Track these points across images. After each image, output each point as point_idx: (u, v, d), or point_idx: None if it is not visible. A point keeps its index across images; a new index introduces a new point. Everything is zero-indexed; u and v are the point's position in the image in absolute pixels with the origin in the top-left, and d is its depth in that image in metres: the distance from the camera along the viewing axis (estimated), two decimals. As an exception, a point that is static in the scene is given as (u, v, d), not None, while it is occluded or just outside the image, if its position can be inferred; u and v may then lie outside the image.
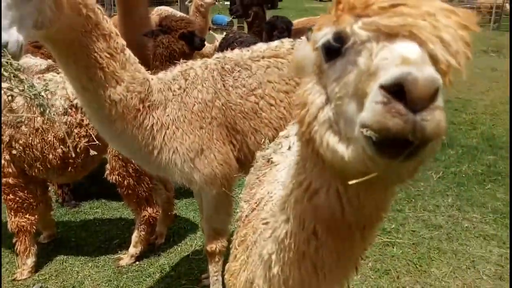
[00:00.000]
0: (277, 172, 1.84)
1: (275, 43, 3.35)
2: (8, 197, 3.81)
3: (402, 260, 4.05)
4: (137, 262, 4.17)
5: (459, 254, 4.11)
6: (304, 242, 1.16)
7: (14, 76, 2.89)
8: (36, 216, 3.99)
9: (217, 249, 3.37)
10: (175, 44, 3.98)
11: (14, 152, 3.66)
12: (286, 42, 3.37)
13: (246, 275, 1.61)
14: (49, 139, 3.61)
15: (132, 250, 4.17)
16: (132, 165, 3.75)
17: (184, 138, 2.92)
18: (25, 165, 3.77)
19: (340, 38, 0.89)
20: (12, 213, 3.88)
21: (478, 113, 8.21)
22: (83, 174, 4.06)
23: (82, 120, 3.61)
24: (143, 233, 4.12)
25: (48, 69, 4.63)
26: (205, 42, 4.60)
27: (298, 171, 1.13)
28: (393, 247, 4.24)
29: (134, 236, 4.17)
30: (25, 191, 3.86)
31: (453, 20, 0.84)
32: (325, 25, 0.95)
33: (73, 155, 3.63)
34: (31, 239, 4.00)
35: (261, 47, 3.33)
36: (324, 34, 0.93)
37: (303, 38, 1.10)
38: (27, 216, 3.91)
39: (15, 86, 3.05)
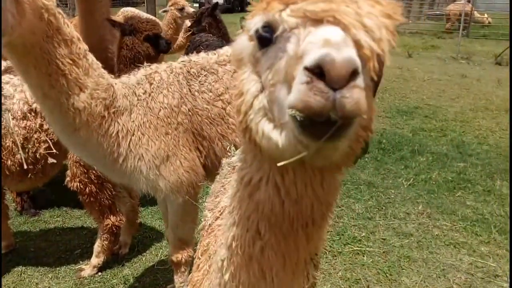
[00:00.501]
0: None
1: None
2: None
3: (373, 269, 4.00)
4: (100, 273, 4.00)
5: (430, 263, 4.08)
6: (250, 244, 1.14)
7: None
8: None
9: (182, 259, 3.27)
10: (139, 46, 3.85)
11: None
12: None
13: (207, 284, 1.54)
14: (8, 144, 3.43)
15: (95, 260, 4.00)
16: (94, 172, 3.61)
17: (149, 145, 2.83)
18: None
19: (270, 27, 0.92)
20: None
21: (448, 120, 8.31)
22: (43, 180, 3.90)
23: (42, 125, 3.47)
24: (106, 242, 3.95)
25: (5, 71, 4.41)
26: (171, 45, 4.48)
27: (241, 166, 1.12)
28: (364, 256, 4.19)
29: (97, 246, 4.01)
30: None
31: (377, 9, 0.87)
32: (256, 13, 0.96)
33: (28, 164, 3.49)
34: (-14, 249, 3.80)
35: (227, 50, 3.25)
36: (255, 22, 0.95)
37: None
38: None
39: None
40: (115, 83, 2.76)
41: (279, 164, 0.90)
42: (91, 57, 2.50)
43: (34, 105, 3.43)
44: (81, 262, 4.17)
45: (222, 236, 1.38)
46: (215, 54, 3.22)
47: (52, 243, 4.50)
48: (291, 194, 1.01)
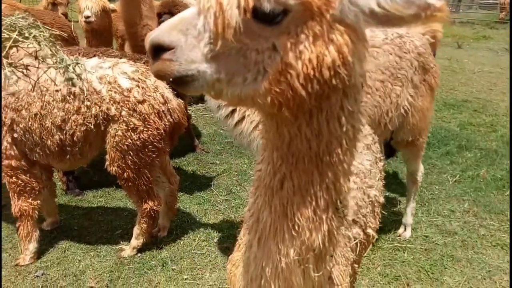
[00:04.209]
0: None
1: (367, 32, 3.34)
2: (10, 179, 3.78)
3: (413, 267, 3.88)
4: (139, 254, 4.08)
5: (474, 263, 3.92)
6: (270, 176, 1.27)
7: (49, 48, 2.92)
8: (39, 201, 3.96)
9: None
10: None
11: (15, 135, 3.64)
12: (378, 31, 3.44)
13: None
14: (47, 125, 3.54)
15: (134, 242, 4.09)
16: (130, 158, 3.65)
17: None
18: (26, 149, 3.73)
19: None
20: (15, 197, 3.86)
21: (499, 114, 7.92)
22: (82, 162, 3.99)
23: (80, 108, 3.52)
24: (144, 225, 4.02)
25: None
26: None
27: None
28: (404, 252, 4.07)
29: (136, 229, 4.08)
30: (28, 175, 3.83)
31: None
32: None
33: (66, 146, 3.60)
34: (33, 224, 3.96)
35: None
36: None
37: None
38: (29, 200, 3.88)
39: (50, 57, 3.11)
40: None
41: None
42: None
43: (73, 89, 3.50)
44: (121, 242, 4.27)
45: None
46: None
47: (95, 223, 4.63)
48: (285, 135, 1.19)
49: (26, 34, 3.04)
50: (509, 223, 4.51)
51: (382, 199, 2.27)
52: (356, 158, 2.08)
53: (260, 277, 1.42)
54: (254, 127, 3.11)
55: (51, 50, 3.14)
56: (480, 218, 4.64)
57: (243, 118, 3.16)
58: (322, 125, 1.15)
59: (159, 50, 1.08)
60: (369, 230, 2.06)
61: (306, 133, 1.16)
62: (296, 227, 1.27)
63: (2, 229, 4.50)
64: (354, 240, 1.89)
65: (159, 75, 1.10)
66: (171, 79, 1.10)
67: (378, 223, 2.24)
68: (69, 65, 3.13)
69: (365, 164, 2.18)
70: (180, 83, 1.11)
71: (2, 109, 3.60)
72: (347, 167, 1.24)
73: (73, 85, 3.23)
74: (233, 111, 3.16)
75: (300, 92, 1.06)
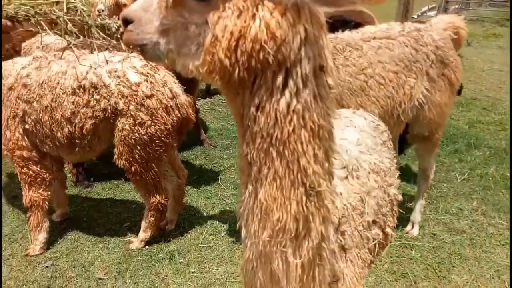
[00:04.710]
0: None
1: (385, 25, 3.56)
2: (22, 170, 3.84)
3: (421, 264, 3.87)
4: (147, 247, 4.11)
5: (483, 262, 3.91)
6: (241, 158, 1.35)
7: None
8: (49, 192, 4.01)
9: None
10: None
11: (27, 126, 3.69)
12: (395, 24, 3.57)
13: None
14: (57, 117, 3.57)
15: (142, 235, 4.12)
16: (138, 152, 3.66)
17: None
18: (37, 141, 3.78)
19: None
20: (26, 187, 3.91)
21: (508, 113, 7.84)
22: (91, 155, 4.03)
23: (89, 101, 3.54)
24: (152, 219, 4.04)
25: (66, 48, 4.56)
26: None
27: None
28: (412, 250, 4.07)
29: (144, 222, 4.12)
30: (39, 166, 3.89)
31: None
32: None
33: (75, 138, 3.65)
34: (43, 214, 4.01)
35: (370, 29, 3.49)
36: None
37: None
38: (40, 191, 3.93)
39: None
40: None
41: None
42: None
43: (83, 82, 3.52)
44: (129, 234, 4.31)
45: None
46: (358, 32, 3.45)
47: (103, 215, 4.67)
48: (237, 112, 1.31)
49: None
50: (516, 222, 4.49)
51: (400, 197, 2.28)
52: (376, 156, 2.09)
53: (249, 258, 1.49)
54: None
55: None
56: (489, 216, 4.61)
57: None
58: (263, 101, 1.20)
59: (128, 23, 1.32)
60: (388, 230, 2.06)
61: (251, 109, 1.22)
62: (265, 207, 1.31)
63: (13, 220, 4.56)
64: (373, 241, 1.88)
65: (126, 43, 1.34)
66: (135, 47, 1.32)
67: (396, 221, 2.23)
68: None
69: (385, 162, 2.17)
70: (141, 52, 1.32)
71: (14, 101, 3.63)
72: (310, 148, 1.24)
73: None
74: None
75: (224, 63, 1.15)
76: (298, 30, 1.15)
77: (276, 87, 1.18)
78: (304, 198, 1.29)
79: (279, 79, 1.18)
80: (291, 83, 1.18)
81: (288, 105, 1.19)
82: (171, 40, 1.25)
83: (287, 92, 1.19)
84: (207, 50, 1.17)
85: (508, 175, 5.47)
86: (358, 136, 2.15)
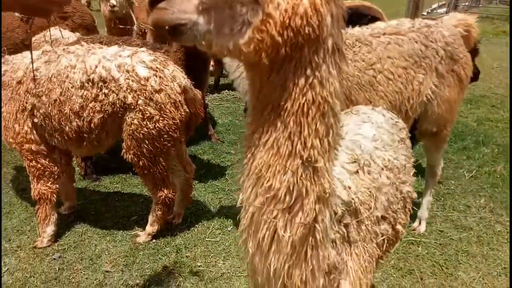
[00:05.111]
0: None
1: (395, 21, 3.54)
2: (30, 163, 3.87)
3: (427, 261, 3.86)
4: (154, 240, 4.13)
5: (490, 259, 3.89)
6: (247, 127, 1.40)
7: None
8: (57, 185, 4.05)
9: None
10: None
11: (35, 120, 3.72)
12: (405, 20, 3.60)
13: None
14: (66, 111, 3.59)
15: (149, 228, 4.14)
16: (146, 146, 3.68)
17: None
18: (46, 134, 3.81)
19: None
20: (35, 180, 3.95)
21: (517, 111, 7.80)
22: (100, 149, 4.04)
23: (98, 95, 3.55)
24: (159, 213, 4.07)
25: (76, 42, 4.59)
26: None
27: None
28: (418, 246, 4.06)
29: (151, 216, 4.14)
30: (47, 159, 3.92)
31: None
32: None
33: (83, 133, 3.67)
34: (52, 207, 4.05)
35: (380, 25, 3.51)
36: None
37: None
38: (48, 184, 3.97)
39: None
40: None
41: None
42: None
43: (92, 76, 3.53)
44: (137, 228, 4.33)
45: None
46: (368, 28, 3.47)
47: (111, 208, 4.71)
48: (257, 85, 1.32)
49: None
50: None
51: (415, 195, 2.27)
52: (391, 153, 2.09)
53: (244, 227, 1.53)
54: None
55: None
56: (496, 214, 4.59)
57: None
58: (288, 76, 1.25)
59: (155, 2, 1.20)
60: (399, 227, 2.06)
61: (274, 81, 1.26)
62: (258, 173, 1.35)
63: (21, 212, 4.61)
64: (382, 236, 1.88)
65: (156, 22, 1.21)
66: (166, 28, 1.21)
67: (408, 219, 2.23)
68: None
69: (401, 159, 2.17)
70: (174, 33, 1.22)
71: (23, 95, 3.66)
72: (314, 122, 1.29)
73: None
74: None
75: (277, 39, 1.17)
76: (331, 7, 1.21)
77: (306, 62, 1.23)
78: (300, 170, 1.32)
79: (310, 54, 1.23)
80: (315, 58, 1.23)
81: (307, 80, 1.24)
82: (211, 19, 1.20)
83: (309, 68, 1.24)
84: (257, 28, 1.16)
85: (517, 173, 5.43)
86: (375, 132, 2.16)
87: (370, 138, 2.10)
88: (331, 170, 1.41)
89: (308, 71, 1.24)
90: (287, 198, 1.34)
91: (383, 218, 1.91)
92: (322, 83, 1.26)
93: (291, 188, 1.33)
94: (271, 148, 1.31)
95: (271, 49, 1.20)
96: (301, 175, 1.32)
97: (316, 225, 1.40)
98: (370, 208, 1.79)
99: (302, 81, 1.24)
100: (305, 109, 1.26)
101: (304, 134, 1.28)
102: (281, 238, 1.40)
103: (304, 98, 1.25)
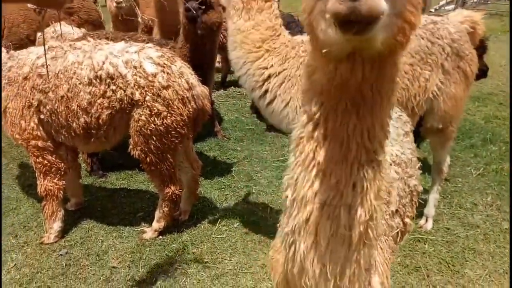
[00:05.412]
0: None
1: None
2: (37, 160, 3.87)
3: (434, 258, 3.85)
4: (160, 237, 4.14)
5: (496, 257, 3.87)
6: (304, 127, 1.34)
7: None
8: (64, 181, 4.05)
9: None
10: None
11: (42, 116, 3.73)
12: None
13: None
14: (73, 107, 3.60)
15: (156, 225, 4.15)
16: (153, 142, 3.68)
17: (297, 96, 3.22)
18: (52, 131, 3.82)
19: None
20: (41, 177, 3.96)
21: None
22: (107, 145, 4.06)
23: (105, 92, 3.56)
24: (166, 209, 4.07)
25: (82, 38, 4.60)
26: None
27: (307, 59, 1.36)
28: (425, 244, 4.04)
29: (157, 212, 4.14)
30: (54, 155, 3.92)
31: None
32: None
33: (91, 129, 3.67)
34: (58, 204, 4.06)
35: None
36: None
37: None
38: (55, 180, 3.97)
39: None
40: (285, 34, 3.33)
41: (323, 51, 1.15)
42: (274, 5, 3.23)
43: (100, 72, 3.53)
44: (143, 224, 4.35)
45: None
46: None
47: (117, 205, 4.72)
48: (337, 77, 1.20)
49: None
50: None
51: (421, 188, 2.27)
52: (398, 147, 2.08)
53: (291, 230, 1.45)
54: (284, 106, 3.29)
55: None
56: (504, 212, 4.56)
57: (274, 97, 3.29)
58: (382, 70, 1.22)
59: None
60: (407, 220, 2.06)
61: (366, 75, 1.19)
62: (323, 171, 1.31)
63: (28, 208, 4.63)
64: (396, 229, 1.89)
65: (369, 16, 0.99)
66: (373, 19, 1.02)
67: (415, 212, 2.23)
68: None
69: (407, 153, 2.17)
70: (365, 28, 1.03)
71: (30, 91, 3.67)
72: (384, 117, 1.29)
73: None
74: (266, 92, 3.30)
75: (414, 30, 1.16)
76: None
77: (395, 62, 1.24)
78: (366, 163, 1.29)
79: (398, 58, 1.24)
80: (399, 60, 1.24)
81: (392, 77, 1.25)
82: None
83: (395, 67, 1.24)
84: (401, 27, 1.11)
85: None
86: None
87: None
88: (386, 164, 1.39)
89: (394, 71, 1.25)
90: (351, 193, 1.31)
91: (396, 212, 1.91)
92: (400, 76, 1.31)
93: (355, 183, 1.30)
94: (337, 142, 1.27)
95: (405, 46, 1.18)
96: (366, 170, 1.29)
97: (370, 223, 1.37)
98: (388, 202, 1.79)
99: (387, 79, 1.23)
100: (383, 101, 1.25)
101: (375, 129, 1.27)
102: (341, 236, 1.36)
103: (384, 96, 1.24)
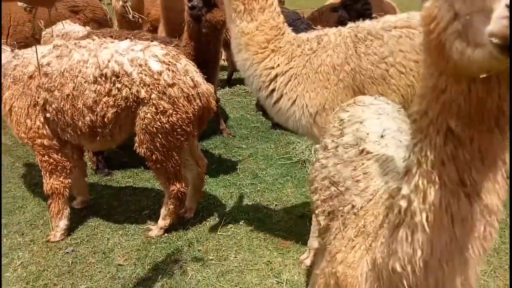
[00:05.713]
0: (384, 163, 1.95)
1: (405, 14, 3.51)
2: (43, 158, 3.89)
3: (440, 255, 3.83)
4: (166, 234, 4.15)
5: (501, 253, 3.85)
6: (441, 145, 1.26)
7: None
8: (69, 180, 4.07)
9: None
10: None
11: (48, 115, 3.74)
12: (416, 14, 3.56)
13: (371, 259, 1.64)
14: (79, 106, 3.61)
15: (161, 222, 4.16)
16: (159, 140, 3.68)
17: (304, 94, 3.24)
18: (58, 129, 3.83)
19: None
20: (47, 175, 3.98)
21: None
22: (112, 144, 4.07)
23: (111, 90, 3.56)
24: (171, 207, 4.08)
25: (86, 36, 4.61)
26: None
27: (428, 78, 1.29)
28: (430, 241, 4.02)
29: (163, 210, 4.15)
30: (60, 154, 3.94)
31: None
32: None
33: (96, 127, 3.68)
34: (64, 202, 4.08)
35: (391, 18, 3.51)
36: None
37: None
38: (61, 179, 3.99)
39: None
40: (289, 32, 3.32)
41: (481, 76, 1.10)
42: (275, 3, 3.21)
43: (105, 70, 3.54)
44: (149, 222, 4.36)
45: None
46: (379, 21, 3.51)
47: (123, 203, 4.74)
48: (472, 96, 1.17)
49: None
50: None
51: None
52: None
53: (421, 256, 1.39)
54: (291, 105, 3.29)
55: None
56: (509, 207, 4.53)
57: (281, 96, 3.30)
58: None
59: None
60: None
61: (502, 94, 1.15)
62: (476, 193, 1.29)
63: (34, 206, 4.66)
64: None
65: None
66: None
67: None
68: None
69: None
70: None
71: (35, 89, 3.68)
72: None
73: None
74: (272, 91, 3.30)
75: None
76: None
77: None
78: (505, 182, 1.31)
79: None
80: None
81: None
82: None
83: None
84: None
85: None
86: (395, 124, 2.18)
87: (397, 131, 2.11)
88: None
89: None
90: (499, 211, 1.40)
91: None
92: None
93: (500, 201, 1.36)
94: (489, 164, 1.25)
95: None
96: (503, 190, 1.34)
97: None
98: None
99: None
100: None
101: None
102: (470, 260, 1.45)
103: None
